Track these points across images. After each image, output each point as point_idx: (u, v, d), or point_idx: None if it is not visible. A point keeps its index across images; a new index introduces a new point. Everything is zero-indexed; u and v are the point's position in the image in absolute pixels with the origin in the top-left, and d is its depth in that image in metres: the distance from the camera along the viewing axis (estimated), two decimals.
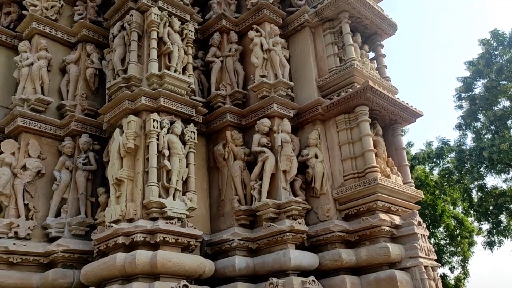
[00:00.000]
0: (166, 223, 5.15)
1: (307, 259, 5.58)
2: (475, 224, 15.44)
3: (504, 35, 13.52)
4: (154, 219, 5.26)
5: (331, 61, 6.62)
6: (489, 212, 13.98)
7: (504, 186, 14.03)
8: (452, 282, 15.36)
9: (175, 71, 6.00)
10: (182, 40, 6.21)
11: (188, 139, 5.84)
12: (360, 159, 6.05)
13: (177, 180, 5.51)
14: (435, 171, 16.18)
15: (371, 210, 5.82)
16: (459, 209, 16.08)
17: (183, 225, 5.29)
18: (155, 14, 5.99)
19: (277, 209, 5.83)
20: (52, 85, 6.55)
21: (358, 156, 6.09)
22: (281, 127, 6.19)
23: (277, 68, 6.45)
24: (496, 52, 13.50)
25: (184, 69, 6.21)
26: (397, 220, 5.88)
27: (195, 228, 5.38)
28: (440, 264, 6.23)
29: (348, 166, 6.09)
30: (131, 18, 6.04)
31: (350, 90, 6.17)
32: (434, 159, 15.53)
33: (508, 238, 14.22)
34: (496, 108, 13.48)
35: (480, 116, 13.86)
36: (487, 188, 14.04)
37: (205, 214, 6.30)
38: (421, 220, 5.97)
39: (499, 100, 13.46)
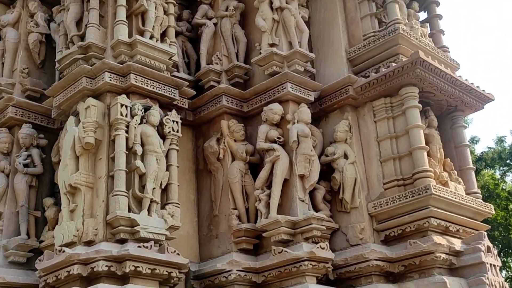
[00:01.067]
0: (139, 247, 5.14)
1: None
2: None
3: None
4: (122, 241, 5.26)
5: (366, 24, 6.61)
6: None
7: None
8: None
9: (151, 37, 5.99)
10: None
11: (169, 132, 5.82)
12: (407, 160, 6.05)
13: (153, 188, 5.50)
14: (509, 177, 16.06)
15: (422, 230, 5.81)
16: None
17: (161, 250, 5.28)
18: None
19: (292, 228, 5.81)
20: None
21: (404, 156, 6.09)
22: (298, 115, 6.17)
23: (292, 33, 6.41)
24: None
25: (164, 35, 6.20)
26: (457, 244, 5.88)
27: (178, 254, 5.37)
28: None
29: (390, 170, 6.11)
30: None
31: (394, 64, 6.15)
32: (508, 161, 15.38)
33: None
34: None
35: None
36: None
37: (192, 234, 6.33)
38: (491, 245, 5.98)
39: None
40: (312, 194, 6.10)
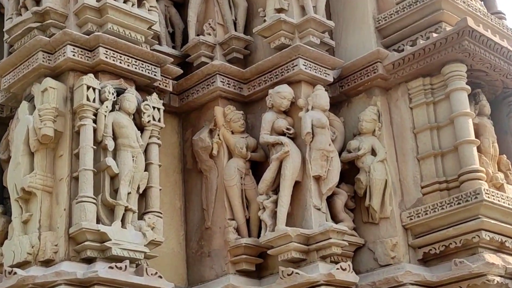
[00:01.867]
0: (110, 267, 5.12)
1: None
2: None
3: None
4: (89, 260, 5.25)
5: None
6: None
7: None
8: None
9: (126, 1, 5.98)
10: None
11: (149, 121, 5.81)
12: (451, 157, 6.05)
13: (129, 193, 5.49)
14: None
15: (470, 246, 5.80)
16: None
17: (139, 272, 5.26)
18: None
19: (305, 244, 5.80)
20: None
21: (448, 152, 6.09)
22: (313, 100, 6.15)
23: None
24: None
25: None
26: None
27: (160, 276, 5.36)
28: None
29: (430, 170, 6.11)
30: None
31: (435, 35, 6.10)
32: None
33: None
34: None
35: None
36: None
37: (178, 252, 6.34)
38: None
39: None
40: (330, 200, 6.10)
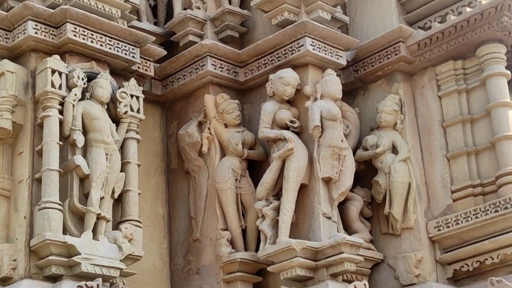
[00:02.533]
0: (79, 287, 5.07)
1: None
2: None
3: None
4: (55, 278, 5.23)
5: None
6: None
7: None
8: None
9: None
10: None
11: (126, 112, 5.82)
12: (487, 156, 6.09)
13: (101, 198, 5.50)
14: None
15: (509, 263, 5.84)
16: None
17: None
18: None
19: (312, 259, 5.81)
20: None
21: (483, 150, 6.13)
22: (322, 87, 6.15)
23: None
24: None
25: None
26: None
27: None
28: None
29: (462, 171, 6.14)
30: None
31: (468, 10, 6.13)
32: None
33: None
34: None
35: None
36: None
37: (160, 268, 6.36)
38: None
39: None
40: (343, 207, 6.14)
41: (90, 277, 5.19)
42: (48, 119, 5.44)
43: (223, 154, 6.28)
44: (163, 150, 6.66)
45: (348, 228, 6.07)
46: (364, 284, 5.73)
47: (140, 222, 5.67)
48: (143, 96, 5.97)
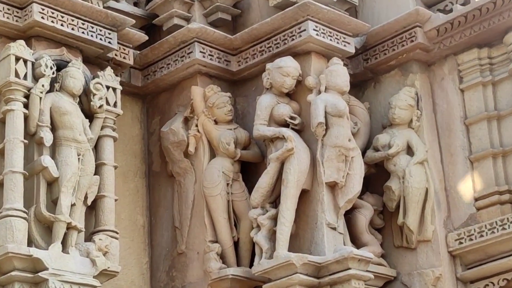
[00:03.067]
0: None
1: None
2: None
3: None
4: None
5: None
6: None
7: None
8: None
9: None
10: None
11: (101, 106, 5.83)
12: None
13: (72, 205, 5.49)
14: None
15: None
16: None
17: None
18: None
19: (315, 276, 5.81)
20: None
21: (511, 151, 6.14)
22: (327, 78, 6.18)
23: None
24: None
25: None
26: None
27: None
28: None
29: (487, 175, 6.16)
30: None
31: None
32: None
33: None
34: None
35: None
36: None
37: (140, 285, 6.36)
38: None
39: None
40: (350, 216, 6.18)
41: None
42: (11, 113, 5.42)
43: (213, 154, 6.29)
44: (144, 150, 6.69)
45: (356, 241, 6.12)
46: None
47: (116, 233, 5.66)
48: (120, 87, 5.96)
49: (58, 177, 5.43)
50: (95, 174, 5.66)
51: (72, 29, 5.81)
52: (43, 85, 5.55)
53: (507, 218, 5.87)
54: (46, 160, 5.44)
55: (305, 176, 6.01)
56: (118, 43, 6.09)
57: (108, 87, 5.86)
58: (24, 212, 5.28)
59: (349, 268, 5.69)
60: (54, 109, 5.58)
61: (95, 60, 6.06)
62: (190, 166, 6.35)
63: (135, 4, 6.85)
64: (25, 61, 5.54)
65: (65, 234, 5.41)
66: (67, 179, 5.45)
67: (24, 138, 5.43)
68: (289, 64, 6.17)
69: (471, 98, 6.31)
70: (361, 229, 6.18)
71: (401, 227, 6.21)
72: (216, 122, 6.33)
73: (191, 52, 6.39)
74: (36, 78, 5.57)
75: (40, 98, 5.53)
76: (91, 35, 5.90)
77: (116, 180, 5.87)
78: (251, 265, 6.02)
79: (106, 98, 5.83)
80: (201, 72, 6.47)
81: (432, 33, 6.33)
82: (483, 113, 6.23)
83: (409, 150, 6.26)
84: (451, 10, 6.38)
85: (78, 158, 5.54)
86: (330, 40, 6.27)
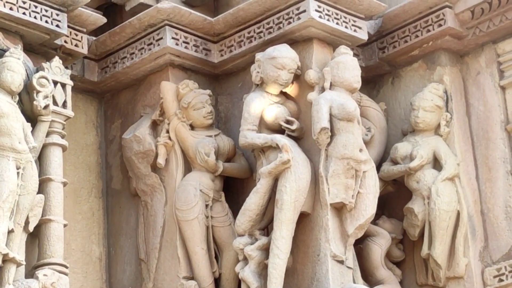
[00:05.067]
0: None
1: None
2: None
3: None
4: None
5: None
6: None
7: None
8: None
9: None
10: None
11: (47, 107, 5.79)
12: None
13: (10, 231, 5.44)
14: None
15: None
16: None
17: None
18: None
19: None
20: None
21: None
22: (333, 71, 6.19)
23: None
24: None
25: None
26: None
27: None
28: None
29: None
30: None
31: None
32: None
33: None
34: None
35: None
36: None
37: None
38: None
39: None
40: (362, 246, 6.24)
41: None
42: None
43: (188, 168, 6.30)
44: (101, 163, 6.69)
45: (369, 277, 6.14)
46: None
47: (66, 267, 5.57)
48: (71, 83, 5.91)
49: None
50: (38, 192, 5.57)
51: (10, 8, 5.72)
52: None
53: None
54: None
55: (305, 195, 5.99)
56: (68, 26, 6.01)
57: (55, 83, 5.80)
58: None
59: None
60: None
61: (40, 48, 6.03)
62: (160, 183, 6.33)
63: None
64: None
65: (0, 268, 5.33)
66: (3, 199, 5.32)
67: None
68: (284, 54, 6.15)
69: None
70: (375, 263, 6.17)
71: (425, 260, 6.21)
72: (192, 127, 6.34)
73: (161, 38, 6.39)
74: None
75: None
76: (34, 17, 5.82)
77: (65, 200, 5.79)
78: None
79: (53, 96, 5.77)
80: (173, 64, 6.48)
81: (465, 16, 6.35)
82: None
83: (436, 163, 6.26)
84: None
85: (17, 172, 5.44)
86: (337, 23, 6.28)
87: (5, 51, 5.70)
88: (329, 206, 5.97)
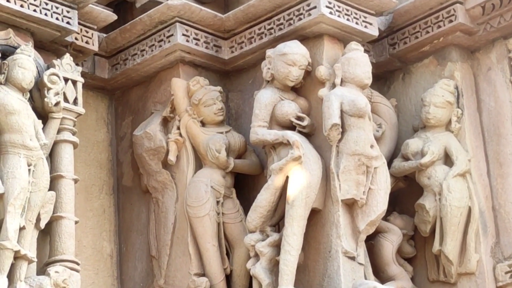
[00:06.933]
0: None
1: None
2: None
3: None
4: None
5: None
6: None
7: None
8: None
9: None
10: None
11: (58, 104, 5.77)
12: None
13: (21, 228, 5.41)
14: None
15: None
16: None
17: None
18: None
19: None
20: None
21: None
22: (343, 68, 6.19)
23: None
24: None
25: None
26: None
27: None
28: None
29: None
30: None
31: None
32: None
33: None
34: None
35: None
36: None
37: None
38: None
39: None
40: (373, 242, 6.23)
41: None
42: None
43: (199, 165, 6.30)
44: (112, 159, 6.70)
45: (380, 274, 6.14)
46: None
47: (77, 264, 5.57)
48: (82, 80, 5.90)
49: (3, 193, 5.36)
50: (50, 189, 5.55)
51: (21, 6, 5.69)
52: None
53: None
54: None
55: (316, 192, 5.98)
56: (79, 23, 5.99)
57: (66, 80, 5.78)
58: None
59: None
60: None
61: (50, 45, 6.01)
62: (171, 180, 6.33)
63: None
64: None
65: (12, 265, 5.30)
66: (14, 196, 5.32)
67: None
68: (295, 50, 6.15)
69: None
70: (386, 259, 6.17)
71: (437, 257, 6.21)
72: (203, 123, 6.34)
73: (172, 35, 6.38)
74: None
75: None
76: (45, 14, 5.79)
77: (76, 197, 5.79)
78: None
79: (64, 93, 5.75)
80: (184, 60, 6.46)
81: (476, 11, 6.32)
82: None
83: (447, 159, 6.25)
84: None
85: (29, 169, 5.44)
86: (348, 19, 6.26)
87: (16, 48, 5.70)
88: (340, 203, 5.97)
